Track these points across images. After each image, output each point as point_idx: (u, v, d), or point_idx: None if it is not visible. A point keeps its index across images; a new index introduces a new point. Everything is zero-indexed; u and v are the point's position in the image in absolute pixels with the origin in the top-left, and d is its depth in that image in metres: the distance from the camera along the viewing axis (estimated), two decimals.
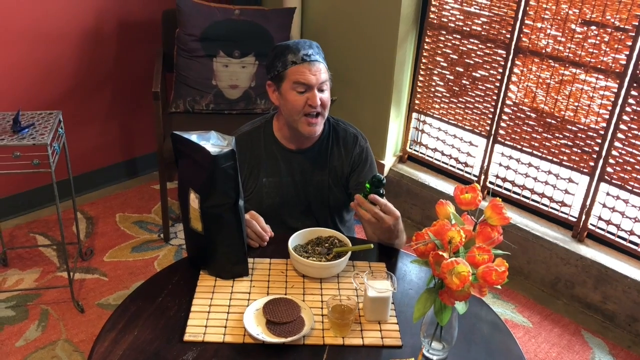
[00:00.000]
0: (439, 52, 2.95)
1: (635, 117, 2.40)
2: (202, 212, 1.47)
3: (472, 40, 2.81)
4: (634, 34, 2.32)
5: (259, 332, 1.36)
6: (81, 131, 3.17)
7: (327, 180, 1.86)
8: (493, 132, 2.86)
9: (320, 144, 1.85)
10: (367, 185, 1.58)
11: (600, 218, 2.65)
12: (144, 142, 3.48)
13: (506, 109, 2.79)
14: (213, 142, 1.53)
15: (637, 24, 2.30)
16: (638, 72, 2.35)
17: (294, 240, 1.62)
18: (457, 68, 2.90)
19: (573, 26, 2.47)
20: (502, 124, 2.82)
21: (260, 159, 1.84)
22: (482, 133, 2.92)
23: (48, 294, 2.55)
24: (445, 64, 2.95)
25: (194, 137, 1.51)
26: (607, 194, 2.59)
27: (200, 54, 2.89)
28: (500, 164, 2.92)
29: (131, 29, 3.18)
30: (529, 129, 2.73)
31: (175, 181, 3.00)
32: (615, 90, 2.43)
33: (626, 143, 2.46)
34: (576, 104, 2.56)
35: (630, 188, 2.49)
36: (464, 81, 2.90)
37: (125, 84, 3.29)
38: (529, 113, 2.72)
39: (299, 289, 1.54)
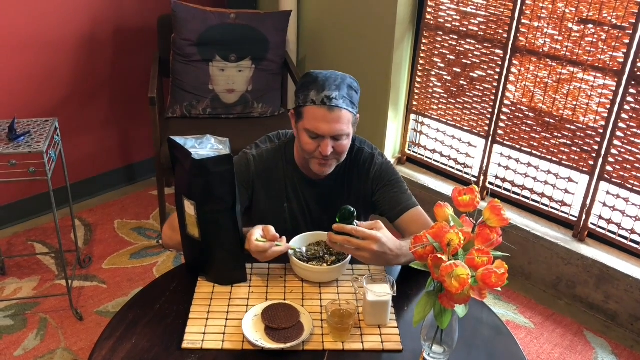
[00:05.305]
0: (436, 52, 2.94)
1: (634, 115, 2.39)
2: (198, 218, 1.46)
3: (469, 40, 2.80)
4: (631, 32, 2.31)
5: (258, 338, 1.35)
6: (78, 138, 3.16)
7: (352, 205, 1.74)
8: (492, 133, 2.85)
9: (339, 172, 1.76)
10: (337, 218, 1.48)
11: (600, 217, 2.63)
12: (142, 148, 3.47)
13: (504, 109, 2.78)
14: (210, 147, 1.52)
15: (634, 21, 2.30)
16: (636, 70, 2.34)
17: (293, 244, 1.60)
18: (455, 68, 2.89)
19: (570, 25, 2.46)
20: (501, 124, 2.81)
21: (280, 184, 1.77)
22: (481, 133, 2.91)
23: (46, 303, 2.54)
24: (442, 65, 2.94)
25: (190, 141, 1.50)
26: (607, 192, 2.58)
27: (196, 59, 2.89)
28: (499, 164, 2.91)
29: (127, 35, 3.18)
30: (527, 129, 2.72)
31: (173, 187, 2.98)
32: (614, 89, 2.42)
33: (625, 141, 2.44)
34: (574, 102, 2.55)
35: (630, 186, 2.48)
36: (461, 82, 2.89)
37: (122, 89, 3.28)
38: (527, 113, 2.70)
39: (298, 294, 1.52)
